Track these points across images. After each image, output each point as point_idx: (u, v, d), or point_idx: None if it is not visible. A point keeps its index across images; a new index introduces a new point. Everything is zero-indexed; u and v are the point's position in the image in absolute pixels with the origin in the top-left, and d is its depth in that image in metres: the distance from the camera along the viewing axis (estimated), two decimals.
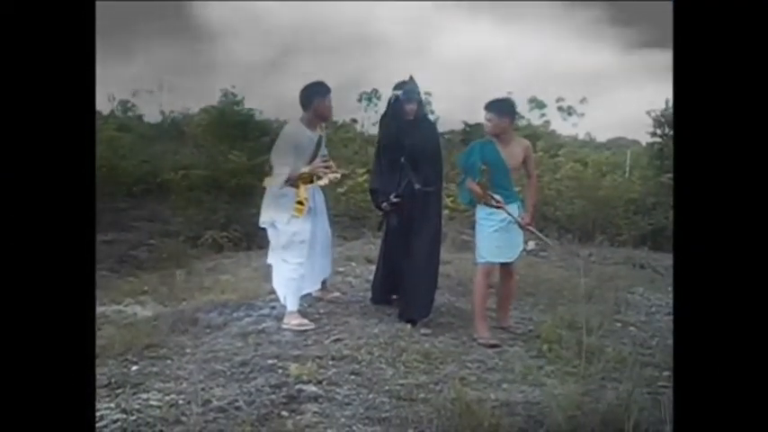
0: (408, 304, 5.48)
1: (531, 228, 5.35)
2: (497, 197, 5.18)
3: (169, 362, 4.37)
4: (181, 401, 3.62)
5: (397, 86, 5.52)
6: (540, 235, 5.88)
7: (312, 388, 3.90)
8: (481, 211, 5.30)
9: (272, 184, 5.24)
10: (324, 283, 5.89)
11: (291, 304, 5.21)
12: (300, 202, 5.17)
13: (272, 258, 5.46)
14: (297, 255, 5.25)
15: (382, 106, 5.78)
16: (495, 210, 5.20)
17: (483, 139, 5.50)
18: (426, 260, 5.47)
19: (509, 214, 5.18)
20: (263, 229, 5.47)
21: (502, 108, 5.33)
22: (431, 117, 5.57)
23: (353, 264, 7.36)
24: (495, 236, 5.23)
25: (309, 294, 5.69)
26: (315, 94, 5.33)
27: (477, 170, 5.20)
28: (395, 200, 5.36)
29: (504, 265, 5.35)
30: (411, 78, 5.54)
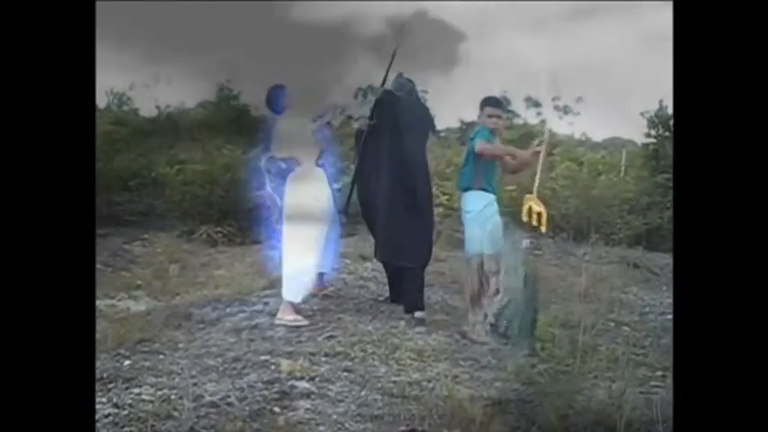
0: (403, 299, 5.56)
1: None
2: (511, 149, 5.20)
3: (162, 357, 4.37)
4: (173, 396, 3.61)
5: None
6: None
7: (304, 384, 3.89)
8: (476, 203, 5.22)
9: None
10: (321, 276, 5.85)
11: (296, 296, 5.22)
12: None
13: (293, 251, 5.38)
14: (315, 247, 5.33)
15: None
16: (488, 201, 5.16)
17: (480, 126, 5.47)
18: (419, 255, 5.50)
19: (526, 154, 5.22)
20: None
21: (502, 105, 5.37)
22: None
23: (347, 261, 7.34)
24: (491, 225, 5.16)
25: None
26: (277, 98, 5.65)
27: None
28: None
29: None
30: (400, 75, 5.68)
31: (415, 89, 5.71)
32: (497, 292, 4.91)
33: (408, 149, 5.44)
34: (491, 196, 5.18)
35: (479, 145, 5.13)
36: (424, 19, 5.38)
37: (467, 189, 5.35)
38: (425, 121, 5.81)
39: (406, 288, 5.52)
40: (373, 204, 5.62)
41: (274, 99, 5.68)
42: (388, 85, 5.65)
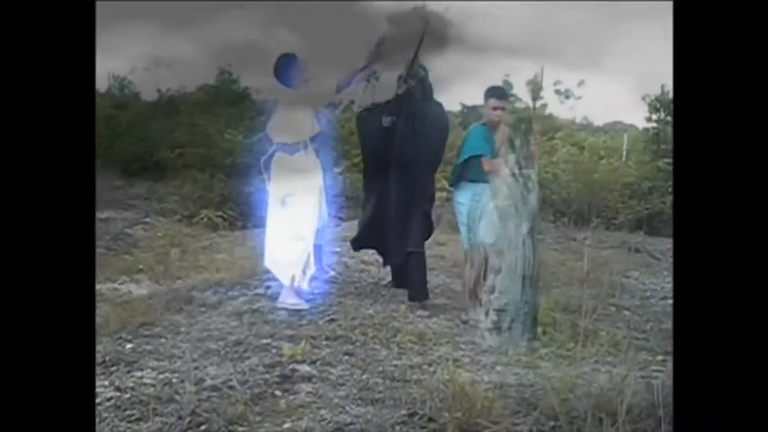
0: (408, 287, 5.55)
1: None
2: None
3: (163, 340, 4.38)
4: (175, 380, 3.62)
5: None
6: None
7: (306, 368, 3.90)
8: (466, 195, 5.23)
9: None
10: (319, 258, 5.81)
11: (297, 282, 5.19)
12: None
13: (284, 237, 5.28)
14: (311, 231, 5.25)
15: (379, 87, 5.82)
16: (479, 192, 5.10)
17: (478, 124, 5.44)
18: (419, 240, 5.48)
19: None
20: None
21: (506, 96, 5.32)
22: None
23: (349, 244, 7.34)
24: (485, 215, 5.10)
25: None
26: (287, 68, 5.33)
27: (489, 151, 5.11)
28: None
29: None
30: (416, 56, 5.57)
31: (427, 77, 5.56)
32: (493, 290, 4.86)
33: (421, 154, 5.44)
34: (482, 186, 5.09)
35: (486, 165, 5.06)
36: (420, 12, 5.28)
37: (457, 182, 5.38)
38: (439, 124, 5.69)
39: (411, 276, 5.51)
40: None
41: (283, 69, 5.31)
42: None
